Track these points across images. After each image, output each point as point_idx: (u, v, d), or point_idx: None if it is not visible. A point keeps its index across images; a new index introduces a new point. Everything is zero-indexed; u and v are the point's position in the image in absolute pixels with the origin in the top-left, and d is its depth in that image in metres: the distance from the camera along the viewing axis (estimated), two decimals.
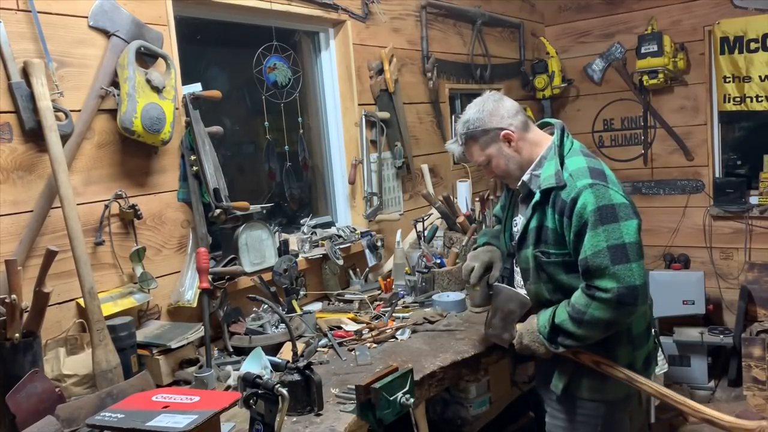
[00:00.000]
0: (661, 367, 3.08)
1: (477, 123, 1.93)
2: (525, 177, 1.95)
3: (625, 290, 1.73)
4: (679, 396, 1.89)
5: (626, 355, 1.91)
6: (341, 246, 2.93)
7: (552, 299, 1.93)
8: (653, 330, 2.05)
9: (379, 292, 2.84)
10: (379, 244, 3.10)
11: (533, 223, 1.91)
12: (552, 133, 1.97)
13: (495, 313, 2.05)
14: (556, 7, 4.80)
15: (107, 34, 2.15)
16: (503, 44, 4.40)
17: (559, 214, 1.83)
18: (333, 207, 3.32)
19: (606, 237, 1.74)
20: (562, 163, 1.87)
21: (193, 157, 2.34)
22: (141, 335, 2.10)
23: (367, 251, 3.04)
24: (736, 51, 4.06)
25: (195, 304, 2.29)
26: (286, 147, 3.04)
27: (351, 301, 2.75)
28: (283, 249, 2.66)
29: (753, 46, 4.01)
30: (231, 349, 2.26)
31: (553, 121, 2.02)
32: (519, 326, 1.99)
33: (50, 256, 1.74)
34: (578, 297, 1.82)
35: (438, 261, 2.97)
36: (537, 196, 1.89)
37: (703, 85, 4.29)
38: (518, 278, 2.06)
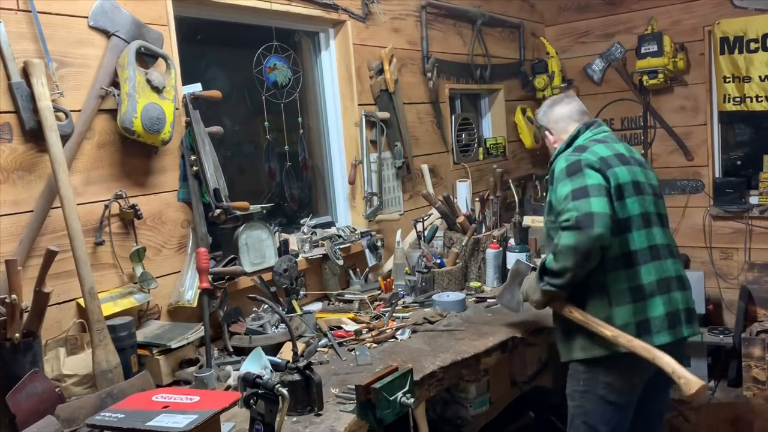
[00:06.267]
0: None
1: (537, 115, 2.42)
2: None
3: (582, 216, 1.91)
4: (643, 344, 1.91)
5: (602, 309, 1.99)
6: (341, 246, 2.93)
7: None
8: (658, 297, 2.01)
9: (379, 292, 2.84)
10: (379, 244, 3.10)
11: (548, 196, 2.18)
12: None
13: (510, 279, 2.42)
14: (556, 7, 4.79)
15: (107, 34, 2.15)
16: (503, 44, 4.40)
17: (549, 183, 2.17)
18: (333, 207, 3.32)
19: (572, 185, 1.98)
20: (568, 146, 2.18)
21: (193, 157, 2.34)
22: (141, 335, 2.10)
23: (367, 251, 3.04)
24: (736, 51, 4.06)
25: (195, 304, 2.29)
26: (286, 147, 3.04)
27: (351, 301, 2.75)
28: (283, 249, 2.66)
29: (753, 46, 4.01)
30: (231, 349, 2.26)
31: (591, 121, 2.28)
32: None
33: (50, 256, 1.74)
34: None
35: (438, 261, 2.97)
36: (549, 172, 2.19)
37: (703, 85, 4.28)
38: None
